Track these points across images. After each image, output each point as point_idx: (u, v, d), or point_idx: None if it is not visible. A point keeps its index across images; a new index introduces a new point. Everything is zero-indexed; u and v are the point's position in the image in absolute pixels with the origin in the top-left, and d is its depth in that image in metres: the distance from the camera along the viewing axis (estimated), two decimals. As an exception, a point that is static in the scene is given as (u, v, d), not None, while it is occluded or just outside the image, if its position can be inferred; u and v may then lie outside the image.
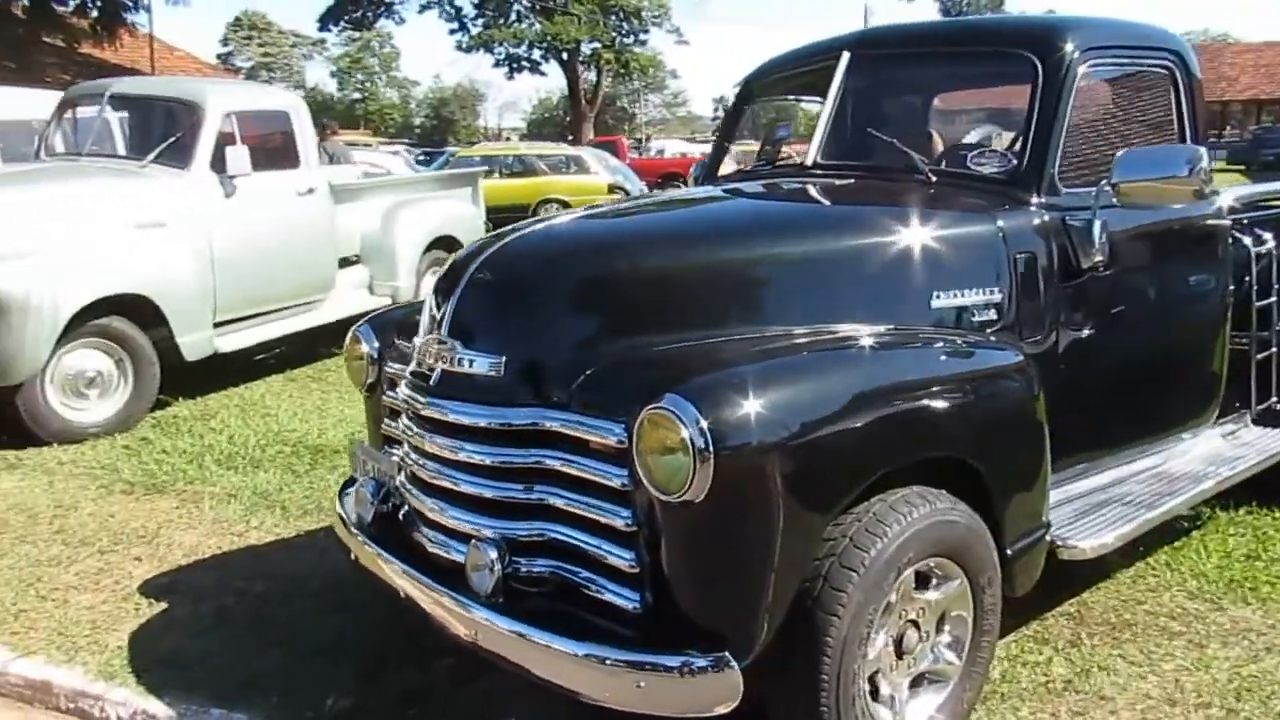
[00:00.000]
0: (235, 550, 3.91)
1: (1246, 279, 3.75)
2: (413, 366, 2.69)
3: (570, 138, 34.74)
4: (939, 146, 3.27)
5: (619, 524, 2.21)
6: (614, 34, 35.04)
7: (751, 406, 2.09)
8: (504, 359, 2.42)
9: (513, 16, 34.76)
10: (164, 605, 3.42)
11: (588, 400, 2.28)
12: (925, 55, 3.42)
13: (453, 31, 35.15)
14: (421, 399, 2.55)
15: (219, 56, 70.77)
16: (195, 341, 5.92)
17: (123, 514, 4.29)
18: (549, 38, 33.40)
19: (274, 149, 6.60)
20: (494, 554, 2.31)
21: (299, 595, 3.45)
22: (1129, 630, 3.18)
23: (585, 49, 35.37)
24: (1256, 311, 3.79)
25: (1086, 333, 3.01)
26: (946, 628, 2.55)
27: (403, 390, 2.68)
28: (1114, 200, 2.92)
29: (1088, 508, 3.16)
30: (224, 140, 6.14)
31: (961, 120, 3.42)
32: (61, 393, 5.36)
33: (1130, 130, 3.28)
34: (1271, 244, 3.84)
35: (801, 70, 3.59)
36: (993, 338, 2.72)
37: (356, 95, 72.16)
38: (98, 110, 6.43)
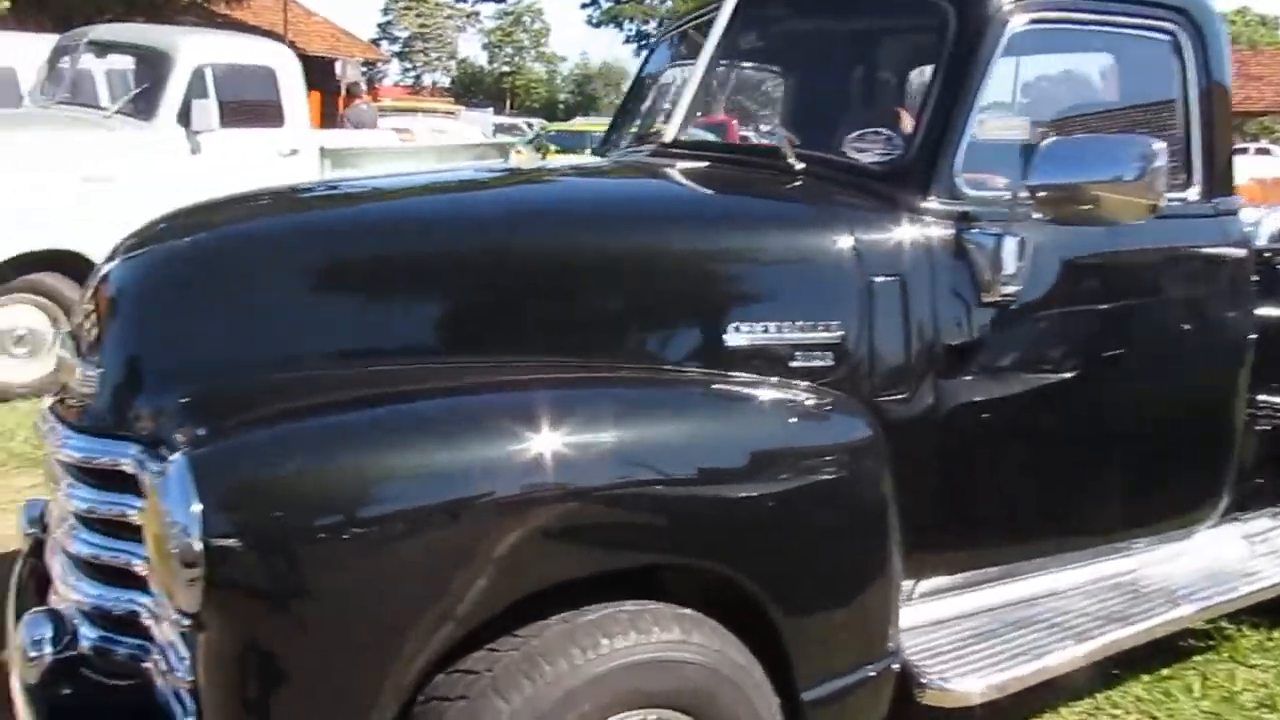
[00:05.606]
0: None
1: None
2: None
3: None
4: (836, 126, 2.45)
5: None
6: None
7: (289, 485, 1.40)
8: (101, 371, 1.81)
9: (646, -9, 34.02)
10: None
11: (159, 437, 1.64)
12: (825, 3, 2.59)
13: (584, 5, 34.78)
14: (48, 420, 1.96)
15: (379, 25, 73.16)
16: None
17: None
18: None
19: (255, 105, 6.18)
20: (46, 631, 1.71)
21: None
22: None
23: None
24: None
25: (992, 393, 2.16)
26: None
27: None
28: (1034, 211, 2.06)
29: (995, 628, 2.32)
30: (195, 92, 5.76)
31: (869, 91, 2.57)
32: (-14, 349, 5.08)
33: (1106, 121, 2.39)
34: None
35: (692, 24, 2.82)
36: (818, 391, 1.92)
37: (505, 69, 73.05)
38: (77, 58, 6.16)
